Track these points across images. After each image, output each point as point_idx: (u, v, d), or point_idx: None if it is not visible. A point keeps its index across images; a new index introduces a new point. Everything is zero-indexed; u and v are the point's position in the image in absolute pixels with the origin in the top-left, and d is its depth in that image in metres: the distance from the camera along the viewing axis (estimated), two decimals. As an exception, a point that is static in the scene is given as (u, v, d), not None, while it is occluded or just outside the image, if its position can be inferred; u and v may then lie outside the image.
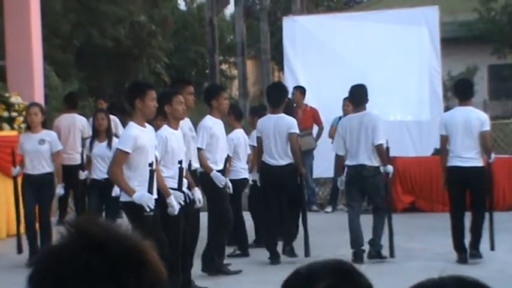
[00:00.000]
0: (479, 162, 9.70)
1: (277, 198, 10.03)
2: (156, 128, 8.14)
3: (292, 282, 1.73)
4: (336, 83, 14.66)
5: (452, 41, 23.20)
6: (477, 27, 27.76)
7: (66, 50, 24.37)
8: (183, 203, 7.94)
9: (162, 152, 7.99)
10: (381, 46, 15.49)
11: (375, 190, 9.92)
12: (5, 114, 13.12)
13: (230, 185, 9.51)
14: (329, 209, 14.48)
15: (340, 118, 13.70)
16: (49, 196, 10.47)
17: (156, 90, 7.92)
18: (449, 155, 9.79)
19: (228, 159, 9.71)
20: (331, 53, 15.63)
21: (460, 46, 26.07)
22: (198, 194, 8.57)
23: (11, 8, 14.15)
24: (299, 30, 16.15)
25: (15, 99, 13.24)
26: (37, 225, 10.45)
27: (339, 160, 10.23)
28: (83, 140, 12.85)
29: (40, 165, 10.32)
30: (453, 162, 9.73)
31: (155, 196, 7.48)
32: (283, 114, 10.28)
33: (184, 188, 8.20)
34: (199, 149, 9.26)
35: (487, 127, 9.83)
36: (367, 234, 9.88)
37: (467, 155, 9.66)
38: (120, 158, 7.49)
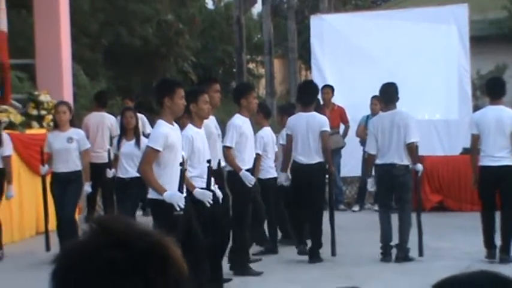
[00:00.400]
0: (511, 161, 9.64)
1: (306, 197, 10.00)
2: (181, 126, 8.14)
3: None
4: (364, 81, 14.64)
5: (481, 39, 23.02)
6: (507, 25, 27.53)
7: (94, 49, 24.49)
8: (211, 201, 7.93)
9: (189, 152, 7.99)
10: (408, 44, 15.41)
11: (404, 189, 9.87)
12: (34, 112, 13.22)
13: (257, 184, 9.50)
14: (356, 208, 14.45)
15: (367, 117, 13.67)
16: (75, 193, 10.50)
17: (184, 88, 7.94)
18: (481, 154, 9.72)
19: (257, 158, 9.70)
20: (359, 52, 15.58)
21: (490, 44, 25.87)
22: (218, 191, 8.52)
23: (41, 8, 14.25)
24: (327, 29, 16.12)
25: (44, 97, 13.34)
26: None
27: (370, 159, 10.19)
28: (111, 138, 12.91)
29: (68, 164, 10.37)
30: (485, 161, 9.66)
31: (185, 195, 7.49)
32: (315, 113, 10.27)
33: (212, 187, 8.20)
34: (227, 148, 9.26)
35: (520, 126, 9.74)
36: (396, 234, 9.85)
37: (499, 154, 9.60)
38: (151, 156, 7.49)
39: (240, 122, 9.43)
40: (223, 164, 9.19)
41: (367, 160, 10.39)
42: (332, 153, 12.18)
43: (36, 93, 13.54)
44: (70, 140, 10.37)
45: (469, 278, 1.60)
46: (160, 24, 26.43)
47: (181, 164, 7.48)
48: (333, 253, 10.01)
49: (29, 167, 12.08)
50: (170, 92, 7.53)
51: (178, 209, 7.27)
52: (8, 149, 10.43)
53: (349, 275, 9.18)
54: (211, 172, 8.10)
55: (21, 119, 12.54)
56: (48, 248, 10.56)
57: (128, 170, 10.55)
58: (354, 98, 14.78)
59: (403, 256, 9.75)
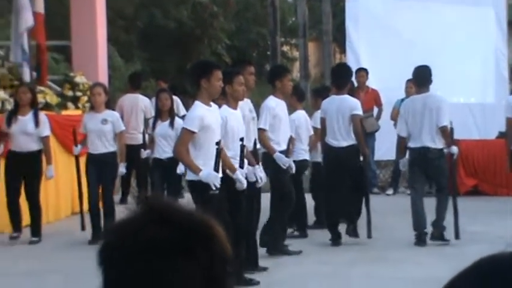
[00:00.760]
0: (547, 145, 9.56)
1: (340, 180, 9.98)
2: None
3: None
4: (399, 64, 14.54)
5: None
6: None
7: (129, 31, 24.57)
8: (218, 186, 7.91)
9: (222, 132, 8.02)
10: (445, 27, 15.29)
11: (439, 172, 9.81)
12: (70, 93, 13.32)
13: (293, 165, 9.49)
14: (390, 191, 14.40)
15: (402, 100, 13.61)
16: (111, 175, 10.61)
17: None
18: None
19: (291, 140, 9.70)
20: (394, 34, 15.49)
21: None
22: (259, 172, 8.55)
23: (77, -10, 14.32)
24: (362, 11, 16.04)
25: (79, 79, 13.44)
26: (100, 203, 10.59)
27: (402, 142, 10.15)
28: (146, 120, 12.97)
29: (103, 145, 10.45)
30: (520, 145, 9.59)
31: (221, 175, 7.52)
32: (347, 96, 10.23)
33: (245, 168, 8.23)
34: (261, 130, 9.26)
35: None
36: (430, 217, 9.81)
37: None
38: (186, 137, 7.53)
39: (274, 104, 9.42)
40: (258, 146, 9.19)
41: (398, 143, 10.34)
42: (366, 137, 12.16)
43: (71, 74, 13.65)
44: (105, 121, 10.44)
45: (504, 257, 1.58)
46: (195, 7, 26.43)
47: (218, 144, 7.50)
48: (369, 235, 10.00)
49: (65, 148, 12.17)
50: (207, 73, 7.55)
51: (214, 188, 7.31)
52: (46, 130, 10.51)
53: (383, 258, 9.17)
54: (243, 151, 8.12)
55: (57, 100, 12.64)
56: (83, 227, 10.66)
57: (165, 150, 10.60)
58: (388, 81, 14.71)
59: (439, 234, 9.70)
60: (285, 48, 32.18)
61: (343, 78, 10.36)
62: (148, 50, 25.01)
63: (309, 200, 11.06)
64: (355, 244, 9.93)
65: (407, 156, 10.05)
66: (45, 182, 11.10)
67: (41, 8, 13.03)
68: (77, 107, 13.17)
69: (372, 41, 15.75)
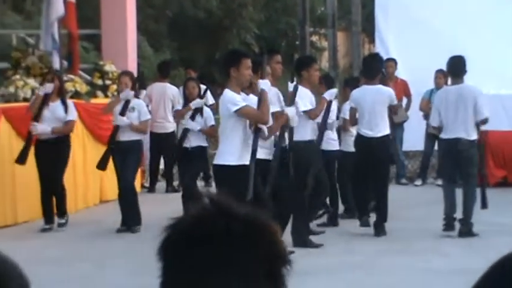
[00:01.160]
0: None
1: (370, 170, 9.95)
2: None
3: None
4: (428, 54, 14.46)
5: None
6: None
7: (159, 20, 24.62)
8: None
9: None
10: (476, 16, 15.15)
11: (468, 163, 9.75)
12: (100, 82, 13.39)
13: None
14: (418, 182, 14.34)
15: (431, 91, 13.54)
16: (134, 161, 10.61)
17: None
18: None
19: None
20: (424, 24, 15.38)
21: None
22: (290, 111, 8.60)
23: (107, -21, 14.38)
24: (392, 1, 15.96)
25: (109, 67, 13.50)
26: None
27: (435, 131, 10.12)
28: (174, 109, 13.00)
29: (129, 133, 10.47)
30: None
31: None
32: (381, 86, 10.21)
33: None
34: None
35: None
36: (459, 208, 9.77)
37: None
38: (248, 110, 7.70)
39: (302, 93, 9.37)
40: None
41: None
42: (395, 127, 12.12)
43: (101, 63, 13.71)
44: (132, 109, 10.47)
45: None
46: (224, -4, 26.43)
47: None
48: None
49: (94, 136, 12.24)
50: (236, 62, 7.59)
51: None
52: (72, 114, 10.58)
53: (410, 249, 9.16)
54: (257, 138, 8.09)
55: (87, 89, 12.71)
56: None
57: (190, 139, 10.61)
58: (417, 72, 14.62)
59: (467, 231, 9.67)
60: (314, 38, 32.10)
61: (375, 69, 10.33)
62: (177, 39, 25.05)
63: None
64: (385, 234, 9.90)
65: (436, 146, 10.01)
66: (73, 170, 11.18)
67: (72, -4, 13.09)
68: (106, 96, 13.24)
69: (401, 31, 15.66)
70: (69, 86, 12.12)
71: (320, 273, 8.00)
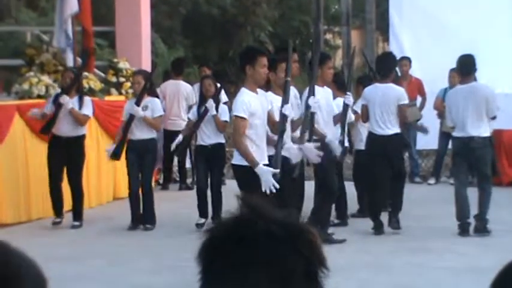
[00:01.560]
0: None
1: (383, 168, 9.94)
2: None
3: None
4: (443, 53, 14.39)
5: None
6: None
7: (172, 17, 24.65)
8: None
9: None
10: (491, 14, 15.08)
11: (482, 162, 9.72)
12: (114, 79, 13.40)
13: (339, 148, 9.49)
14: (432, 181, 14.31)
15: (446, 90, 13.48)
16: (151, 162, 10.61)
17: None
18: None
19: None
20: (438, 23, 15.33)
21: None
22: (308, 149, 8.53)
23: (121, -24, 14.38)
24: (406, 0, 15.90)
25: (123, 64, 13.51)
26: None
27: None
28: (189, 107, 12.99)
29: (142, 131, 10.46)
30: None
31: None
32: (392, 84, 10.19)
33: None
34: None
35: None
36: (473, 208, 9.73)
37: None
38: (239, 125, 7.52)
39: (316, 91, 9.33)
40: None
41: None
42: (409, 126, 12.08)
43: (115, 60, 13.72)
44: (145, 108, 10.46)
45: None
46: (238, -6, 26.43)
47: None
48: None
49: (107, 133, 12.26)
50: (252, 60, 7.55)
51: (266, 190, 7.24)
52: (87, 109, 10.59)
53: (424, 248, 9.13)
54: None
55: (101, 86, 12.72)
56: None
57: (209, 136, 10.59)
58: (432, 70, 14.56)
59: (482, 227, 9.63)
60: (328, 36, 32.08)
61: (388, 67, 10.31)
62: (191, 36, 25.08)
63: (352, 189, 11.03)
64: (396, 233, 9.89)
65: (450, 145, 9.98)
66: (87, 167, 11.19)
67: (87, -7, 13.09)
68: (120, 93, 13.25)
69: (416, 30, 15.61)
70: (83, 83, 12.14)
71: (333, 272, 7.96)
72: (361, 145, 10.80)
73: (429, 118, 13.97)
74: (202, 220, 10.42)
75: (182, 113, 13.33)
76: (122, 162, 10.85)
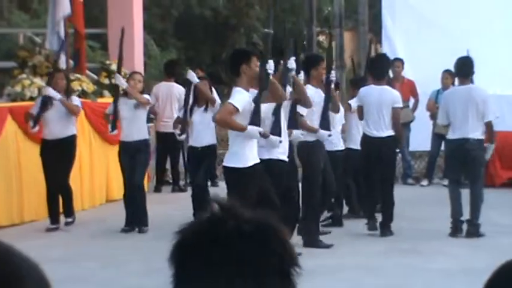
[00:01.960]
0: None
1: (376, 169, 9.96)
2: None
3: None
4: (435, 54, 14.43)
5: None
6: None
7: (165, 19, 24.64)
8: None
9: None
10: (484, 16, 15.10)
11: (475, 163, 9.74)
12: (106, 81, 13.38)
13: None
14: (425, 182, 14.33)
15: (438, 91, 13.52)
16: (144, 162, 10.60)
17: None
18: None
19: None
20: (431, 24, 15.35)
21: None
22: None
23: (113, -22, 14.37)
24: (399, 1, 15.93)
25: (115, 66, 13.48)
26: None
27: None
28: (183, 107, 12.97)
29: (136, 132, 10.43)
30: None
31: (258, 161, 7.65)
32: (387, 87, 10.20)
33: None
34: (300, 116, 9.26)
35: None
36: (465, 210, 9.74)
37: None
38: (230, 109, 7.70)
39: (312, 92, 9.35)
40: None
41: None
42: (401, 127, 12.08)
43: (108, 62, 13.70)
44: (137, 105, 10.42)
45: None
46: (231, -4, 26.43)
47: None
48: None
49: (100, 136, 12.24)
50: (247, 59, 7.77)
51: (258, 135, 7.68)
52: (77, 102, 10.66)
53: (416, 250, 9.14)
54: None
55: (93, 88, 12.70)
56: None
57: (202, 137, 10.58)
58: (424, 72, 14.58)
59: (474, 232, 9.65)
60: (321, 37, 32.09)
61: (382, 69, 10.33)
62: (183, 38, 25.06)
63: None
64: (392, 234, 9.89)
65: (443, 146, 9.98)
66: (80, 170, 11.17)
67: (79, -5, 13.09)
68: (112, 95, 13.21)
69: (408, 31, 15.64)
70: (75, 85, 12.12)
71: (325, 274, 7.98)
72: (351, 144, 10.81)
73: (422, 119, 14.00)
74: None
75: (175, 114, 13.30)
76: (115, 165, 10.83)
